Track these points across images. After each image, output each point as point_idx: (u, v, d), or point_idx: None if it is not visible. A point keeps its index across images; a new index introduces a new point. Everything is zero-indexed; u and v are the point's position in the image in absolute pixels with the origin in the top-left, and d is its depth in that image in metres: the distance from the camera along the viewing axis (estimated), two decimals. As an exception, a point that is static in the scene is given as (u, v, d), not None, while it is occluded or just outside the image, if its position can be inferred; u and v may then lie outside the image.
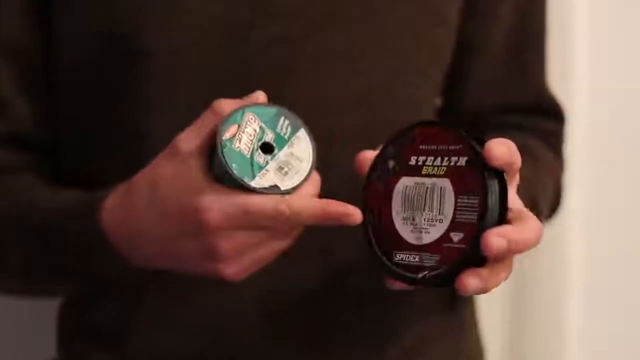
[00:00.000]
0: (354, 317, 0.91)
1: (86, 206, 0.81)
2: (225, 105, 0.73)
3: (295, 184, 0.73)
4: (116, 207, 0.79)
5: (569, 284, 1.25)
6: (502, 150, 0.69)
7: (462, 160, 0.71)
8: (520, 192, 0.78)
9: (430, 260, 0.71)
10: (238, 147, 0.72)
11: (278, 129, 0.74)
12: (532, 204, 0.91)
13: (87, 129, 0.92)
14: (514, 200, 0.74)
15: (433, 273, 0.71)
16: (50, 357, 1.01)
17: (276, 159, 0.73)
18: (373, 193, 0.75)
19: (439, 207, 0.71)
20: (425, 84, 0.93)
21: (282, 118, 0.74)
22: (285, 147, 0.74)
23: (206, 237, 0.73)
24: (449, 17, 0.93)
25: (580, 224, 1.24)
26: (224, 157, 0.72)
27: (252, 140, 0.73)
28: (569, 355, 1.27)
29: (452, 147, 0.72)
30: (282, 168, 0.73)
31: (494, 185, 0.70)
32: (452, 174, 0.71)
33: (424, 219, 0.72)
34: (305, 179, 0.73)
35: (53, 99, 0.93)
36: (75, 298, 0.97)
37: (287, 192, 0.72)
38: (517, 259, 0.73)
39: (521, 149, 0.96)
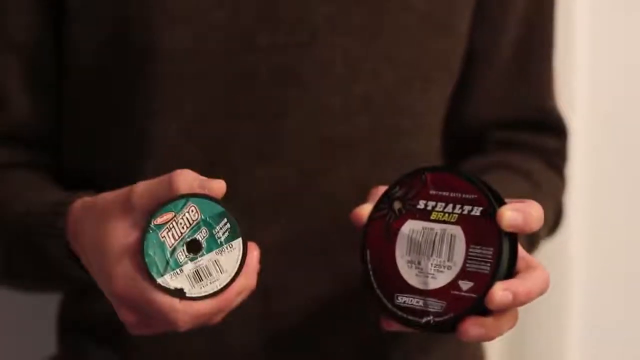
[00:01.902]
0: (355, 321, 0.91)
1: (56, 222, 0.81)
2: (183, 180, 0.71)
3: (203, 294, 0.71)
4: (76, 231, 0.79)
5: (569, 286, 1.25)
6: (514, 217, 0.70)
7: (477, 210, 0.71)
8: None
9: (436, 305, 0.71)
10: (163, 237, 0.70)
11: (215, 230, 0.71)
12: (530, 236, 0.91)
13: (92, 130, 0.92)
14: (521, 248, 0.74)
15: (438, 319, 0.71)
16: (50, 354, 1.01)
17: (197, 262, 0.71)
18: (374, 232, 0.75)
19: (448, 253, 0.71)
20: (430, 91, 0.92)
21: (225, 220, 0.71)
22: (213, 252, 0.71)
23: (113, 300, 0.74)
24: (454, 26, 0.92)
25: (581, 224, 1.24)
26: (144, 242, 0.70)
27: (181, 234, 0.70)
28: (569, 357, 1.27)
29: (466, 196, 0.71)
30: (199, 273, 0.71)
31: (507, 238, 0.70)
32: (464, 222, 0.71)
33: (431, 265, 0.72)
34: (217, 292, 0.71)
35: (58, 98, 0.93)
36: (74, 293, 0.98)
37: (192, 299, 0.70)
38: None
39: (523, 175, 0.96)
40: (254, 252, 0.73)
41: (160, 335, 0.89)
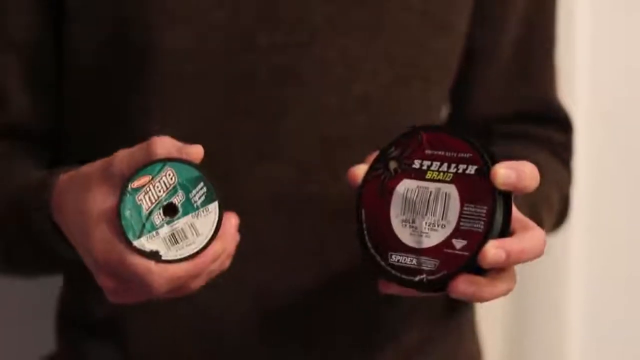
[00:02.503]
0: (351, 319, 0.91)
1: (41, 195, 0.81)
2: (161, 145, 0.71)
3: (178, 257, 0.71)
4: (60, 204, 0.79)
5: (569, 286, 1.25)
6: (508, 174, 0.70)
7: (472, 169, 0.71)
8: (521, 204, 0.78)
9: (429, 264, 0.71)
10: (140, 200, 0.71)
11: (192, 194, 0.71)
12: (534, 218, 0.91)
13: (92, 129, 0.92)
14: (517, 211, 0.74)
15: (431, 277, 0.71)
16: (49, 351, 1.01)
17: (173, 225, 0.71)
18: (369, 192, 0.75)
19: (442, 212, 0.71)
20: (429, 90, 0.93)
21: (201, 184, 0.72)
22: (189, 215, 0.71)
23: (93, 265, 0.74)
24: (454, 25, 0.93)
25: (581, 224, 1.24)
26: (120, 206, 0.71)
27: (157, 197, 0.71)
28: (569, 357, 1.27)
29: (462, 155, 0.72)
30: (175, 236, 0.71)
31: (501, 196, 0.70)
32: (459, 181, 0.71)
33: (425, 223, 0.72)
34: (193, 255, 0.71)
35: (58, 97, 0.94)
36: (72, 290, 0.98)
37: (168, 262, 0.70)
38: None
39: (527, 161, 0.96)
40: (232, 219, 0.73)
41: (160, 334, 0.91)
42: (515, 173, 0.70)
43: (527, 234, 0.72)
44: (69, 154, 0.94)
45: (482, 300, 0.72)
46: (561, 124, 1.03)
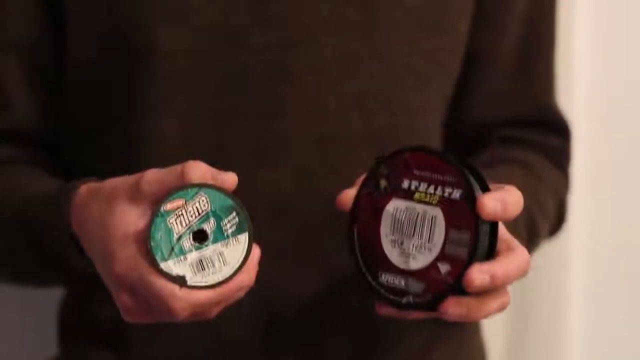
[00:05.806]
0: (353, 325, 0.91)
1: (57, 201, 0.81)
2: (195, 171, 0.71)
3: (203, 284, 0.71)
4: (79, 214, 0.79)
5: (570, 287, 1.26)
6: (494, 206, 0.70)
7: (457, 193, 0.71)
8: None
9: (416, 286, 0.72)
10: (171, 223, 0.71)
11: (223, 222, 0.72)
12: (530, 227, 0.91)
13: (89, 129, 0.92)
14: (503, 230, 0.74)
15: (417, 300, 0.72)
16: (51, 355, 1.01)
17: (201, 251, 0.71)
18: (362, 209, 0.75)
19: (428, 235, 0.72)
20: (426, 90, 0.92)
21: (234, 213, 0.72)
22: (219, 243, 0.71)
23: (112, 282, 0.74)
24: (449, 25, 0.92)
25: (581, 225, 1.24)
26: (151, 227, 0.70)
27: (189, 222, 0.71)
28: (569, 357, 1.28)
29: (448, 178, 0.72)
30: (202, 263, 0.71)
31: (486, 224, 0.71)
32: (444, 205, 0.72)
33: (412, 245, 0.72)
34: (219, 284, 0.71)
35: (59, 98, 0.94)
36: (75, 295, 0.98)
37: (192, 287, 0.70)
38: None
39: (523, 168, 0.96)
40: (256, 250, 0.73)
41: (162, 338, 0.90)
42: (501, 205, 0.71)
43: (511, 256, 0.72)
44: (70, 155, 0.94)
45: (476, 319, 0.73)
46: (559, 129, 1.03)
